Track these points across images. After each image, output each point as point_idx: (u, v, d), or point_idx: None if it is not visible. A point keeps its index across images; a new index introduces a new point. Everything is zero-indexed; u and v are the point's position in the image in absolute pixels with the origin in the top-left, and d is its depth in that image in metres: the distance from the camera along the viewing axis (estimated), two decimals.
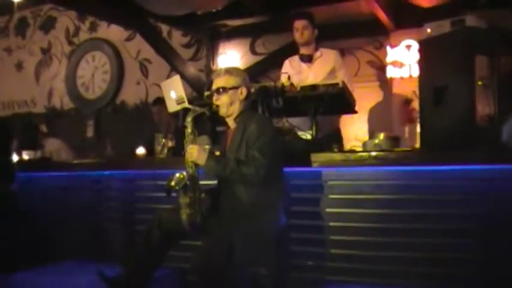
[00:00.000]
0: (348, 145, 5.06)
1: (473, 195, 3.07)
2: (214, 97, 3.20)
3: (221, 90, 3.16)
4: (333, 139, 4.28)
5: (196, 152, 3.03)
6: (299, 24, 4.69)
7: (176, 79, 4.21)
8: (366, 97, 6.43)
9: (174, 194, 3.06)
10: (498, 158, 3.00)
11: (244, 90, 3.18)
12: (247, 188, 3.03)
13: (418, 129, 3.47)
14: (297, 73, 4.63)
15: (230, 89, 3.15)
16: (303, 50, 4.79)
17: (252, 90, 3.61)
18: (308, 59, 4.76)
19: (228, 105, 3.16)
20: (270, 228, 3.06)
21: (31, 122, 7.46)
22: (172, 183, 3.03)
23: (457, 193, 3.11)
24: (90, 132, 8.76)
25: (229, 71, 3.26)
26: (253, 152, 2.98)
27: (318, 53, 4.76)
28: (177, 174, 3.06)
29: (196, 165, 3.06)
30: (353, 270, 3.32)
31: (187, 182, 3.03)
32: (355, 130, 6.29)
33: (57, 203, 4.60)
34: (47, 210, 4.60)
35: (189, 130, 3.12)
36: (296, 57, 4.85)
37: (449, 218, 3.11)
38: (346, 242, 3.37)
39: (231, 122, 3.24)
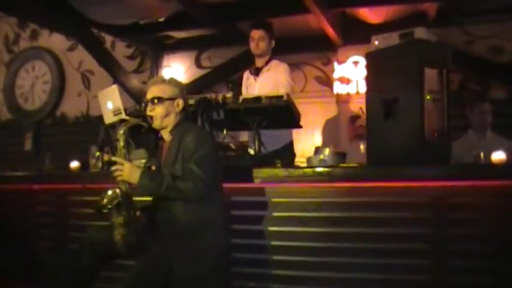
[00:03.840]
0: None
1: (423, 213, 2.98)
2: (149, 107, 2.94)
3: (156, 100, 2.92)
4: (284, 154, 4.14)
5: (127, 170, 2.78)
6: (255, 34, 4.48)
7: (113, 89, 3.98)
8: (313, 113, 6.40)
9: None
10: (448, 174, 2.92)
11: (181, 102, 2.96)
12: (185, 205, 2.81)
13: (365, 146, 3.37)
14: (247, 86, 4.49)
15: (166, 99, 2.92)
16: (257, 62, 4.60)
17: (192, 101, 3.43)
18: (256, 71, 4.59)
19: (163, 117, 2.93)
20: (210, 248, 2.84)
21: None
22: (104, 201, 2.75)
23: (405, 211, 3.01)
24: (28, 145, 8.39)
25: (166, 80, 3.02)
26: (190, 166, 2.75)
27: (266, 66, 4.55)
28: (109, 192, 2.77)
29: (129, 182, 2.82)
30: None
31: (121, 200, 2.77)
32: (302, 146, 6.17)
33: None
34: None
35: (121, 144, 2.88)
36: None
37: (398, 237, 3.01)
38: (291, 262, 3.22)
39: (166, 135, 3.00)
